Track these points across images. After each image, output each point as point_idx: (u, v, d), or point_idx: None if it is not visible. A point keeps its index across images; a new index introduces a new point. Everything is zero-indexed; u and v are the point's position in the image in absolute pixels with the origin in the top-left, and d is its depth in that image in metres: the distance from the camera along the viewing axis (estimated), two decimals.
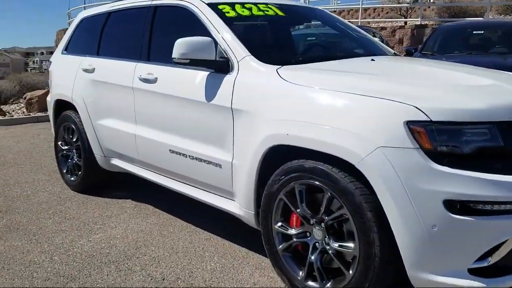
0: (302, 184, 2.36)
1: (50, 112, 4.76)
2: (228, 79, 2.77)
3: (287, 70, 2.60)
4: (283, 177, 2.43)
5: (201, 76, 2.95)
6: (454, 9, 15.86)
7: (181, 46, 2.78)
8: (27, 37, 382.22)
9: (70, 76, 4.27)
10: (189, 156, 3.06)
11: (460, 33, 7.60)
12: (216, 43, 2.84)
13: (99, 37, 4.13)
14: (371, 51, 3.43)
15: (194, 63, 2.81)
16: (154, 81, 3.30)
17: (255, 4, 3.33)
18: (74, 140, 4.36)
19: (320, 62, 2.83)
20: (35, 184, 4.71)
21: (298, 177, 2.35)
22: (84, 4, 18.52)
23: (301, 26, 3.82)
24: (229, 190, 2.86)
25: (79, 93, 4.11)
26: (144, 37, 3.55)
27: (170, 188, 3.38)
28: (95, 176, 4.32)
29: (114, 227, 3.53)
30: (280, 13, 3.38)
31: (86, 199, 4.21)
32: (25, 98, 10.08)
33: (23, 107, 10.90)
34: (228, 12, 3.13)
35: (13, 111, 10.31)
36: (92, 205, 4.06)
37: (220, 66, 2.84)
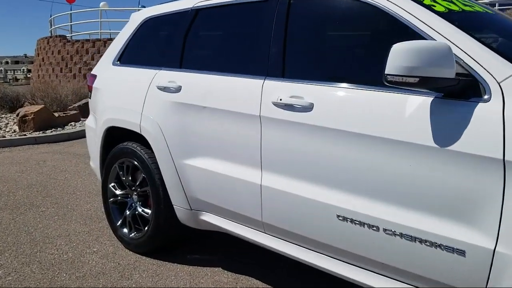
0: None
1: (95, 143, 3.53)
2: (484, 111, 1.68)
3: None
4: None
5: (416, 103, 1.85)
6: None
7: (405, 55, 1.67)
8: None
9: (135, 95, 3.08)
10: (386, 229, 1.93)
11: None
12: None
13: (182, 43, 2.95)
14: None
15: (422, 83, 1.71)
16: (306, 108, 2.17)
17: None
18: (138, 183, 3.16)
19: None
20: (72, 240, 3.46)
21: None
22: (71, 10, 17.10)
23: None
24: None
25: (154, 119, 2.92)
26: (274, 44, 2.42)
27: (334, 273, 2.21)
28: (169, 234, 3.12)
29: None
30: (488, 10, 2.33)
31: (158, 267, 3.00)
32: (17, 114, 8.68)
33: (7, 123, 9.49)
34: (434, 6, 2.05)
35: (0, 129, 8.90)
36: (171, 278, 2.86)
37: (459, 89, 1.75)
